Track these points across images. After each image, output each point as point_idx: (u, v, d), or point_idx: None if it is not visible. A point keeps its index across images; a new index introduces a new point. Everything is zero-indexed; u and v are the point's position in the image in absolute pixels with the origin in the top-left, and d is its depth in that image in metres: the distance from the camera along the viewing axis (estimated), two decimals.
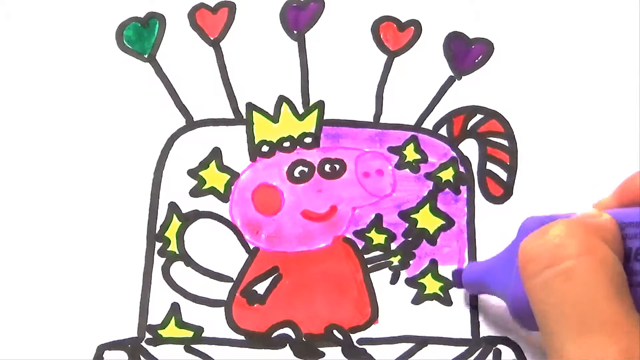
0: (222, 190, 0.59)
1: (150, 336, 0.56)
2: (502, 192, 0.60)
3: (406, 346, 0.56)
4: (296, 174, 0.59)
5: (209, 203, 0.59)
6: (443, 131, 0.61)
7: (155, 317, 0.57)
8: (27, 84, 0.61)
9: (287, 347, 0.55)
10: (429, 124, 0.61)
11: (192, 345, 0.56)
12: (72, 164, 0.59)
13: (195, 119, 0.61)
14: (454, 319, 0.57)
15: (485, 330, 0.56)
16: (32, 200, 0.58)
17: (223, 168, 0.59)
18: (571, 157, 0.60)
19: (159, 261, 0.58)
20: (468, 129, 0.61)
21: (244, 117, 0.60)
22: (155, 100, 0.61)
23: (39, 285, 0.57)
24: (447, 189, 0.60)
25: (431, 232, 0.59)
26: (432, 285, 0.58)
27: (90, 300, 0.57)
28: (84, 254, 0.57)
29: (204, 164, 0.60)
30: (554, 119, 0.61)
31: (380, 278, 0.58)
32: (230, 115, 0.61)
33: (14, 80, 0.61)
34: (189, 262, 0.58)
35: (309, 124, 0.60)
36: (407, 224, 0.59)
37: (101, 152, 0.60)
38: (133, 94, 0.61)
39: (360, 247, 0.58)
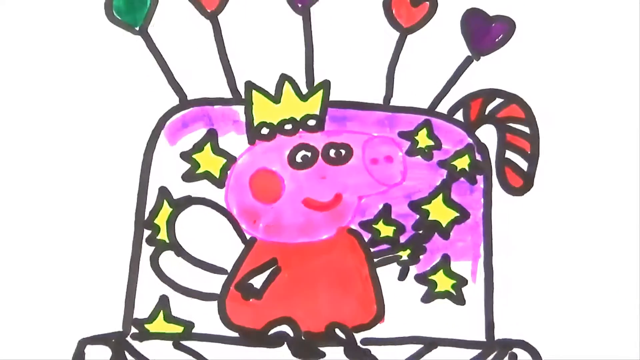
0: (217, 175, 0.59)
1: (136, 331, 0.57)
2: (522, 183, 0.60)
3: (414, 348, 0.57)
4: (298, 159, 0.59)
5: (202, 189, 0.59)
6: (459, 116, 0.61)
7: (142, 310, 0.57)
8: (6, 56, 0.61)
9: (285, 345, 0.57)
10: (443, 107, 0.61)
11: (182, 342, 0.57)
12: (54, 144, 0.60)
13: (189, 98, 0.60)
14: (466, 320, 0.58)
15: (500, 332, 0.58)
16: (9, 179, 0.60)
17: (219, 151, 0.59)
18: (598, 146, 0.60)
19: (147, 250, 0.58)
20: (486, 113, 0.61)
21: (243, 96, 0.60)
22: (146, 77, 0.60)
23: (14, 273, 0.58)
24: (462, 179, 0.60)
25: (444, 225, 0.59)
26: (443, 283, 0.59)
27: (71, 290, 0.58)
28: (65, 241, 0.58)
29: (198, 147, 0.60)
30: (579, 104, 0.61)
31: (387, 273, 0.58)
32: (227, 94, 0.60)
33: None
34: (180, 251, 0.58)
35: (313, 105, 0.60)
36: (417, 216, 0.59)
37: (86, 132, 0.60)
38: (122, 69, 0.61)
39: (366, 240, 0.59)
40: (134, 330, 0.57)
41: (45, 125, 0.60)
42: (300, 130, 0.59)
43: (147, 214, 0.59)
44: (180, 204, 0.58)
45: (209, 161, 0.59)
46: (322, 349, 0.56)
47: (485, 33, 0.61)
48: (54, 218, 0.58)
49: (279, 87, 0.59)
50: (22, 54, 0.61)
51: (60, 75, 0.60)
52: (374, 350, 0.56)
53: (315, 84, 0.60)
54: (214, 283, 0.57)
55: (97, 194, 0.59)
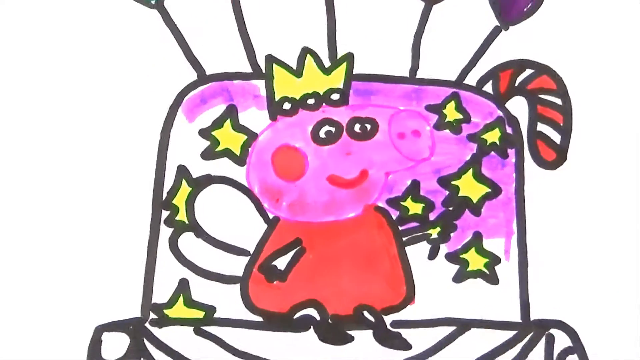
0: (238, 153, 0.59)
1: (155, 316, 0.57)
2: (554, 157, 0.59)
3: (446, 330, 0.56)
4: (322, 134, 0.58)
5: (223, 167, 0.59)
6: (488, 88, 0.60)
7: (161, 295, 0.57)
8: (18, 31, 0.60)
9: (311, 329, 0.56)
10: (472, 79, 0.60)
11: (203, 327, 0.56)
12: (68, 122, 0.59)
13: (208, 73, 0.59)
14: (501, 300, 0.57)
15: (537, 313, 0.57)
16: (25, 163, 0.59)
17: (239, 127, 0.59)
18: (632, 117, 0.60)
19: (165, 232, 0.58)
20: (516, 85, 0.60)
21: (263, 70, 0.59)
22: (163, 52, 0.59)
23: (29, 258, 0.57)
24: (492, 153, 0.59)
25: (475, 201, 0.58)
26: (475, 261, 0.58)
27: (87, 275, 0.57)
28: (80, 223, 0.58)
29: (218, 123, 0.59)
30: (612, 75, 0.60)
31: (416, 252, 0.58)
32: (247, 68, 0.59)
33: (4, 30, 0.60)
34: (200, 233, 0.58)
35: (337, 78, 0.59)
36: (447, 192, 0.58)
37: (102, 109, 0.59)
38: (138, 44, 0.60)
39: (394, 218, 0.58)
40: (152, 316, 0.56)
41: (60, 104, 0.59)
42: (324, 104, 0.58)
43: (165, 194, 0.58)
44: (200, 183, 0.58)
45: (229, 138, 0.58)
46: (350, 332, 0.56)
47: (513, 2, 0.59)
48: (69, 200, 0.58)
49: (301, 60, 0.58)
50: (32, 27, 0.60)
51: (74, 51, 0.59)
52: (405, 333, 0.56)
53: (338, 57, 0.59)
54: (236, 265, 0.57)
55: (112, 174, 0.58)
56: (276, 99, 0.58)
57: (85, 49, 0.59)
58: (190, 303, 0.56)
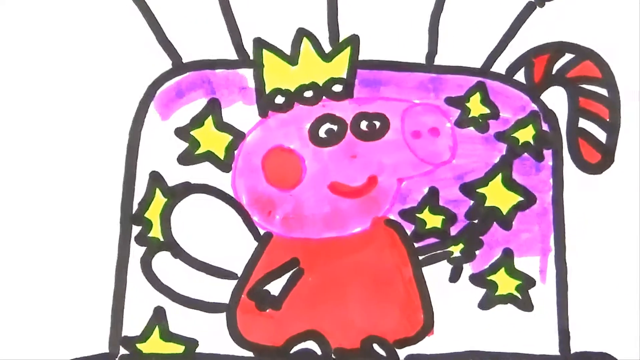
0: (221, 156, 0.55)
1: (126, 352, 0.53)
2: (599, 158, 0.56)
3: None
4: (322, 133, 0.55)
5: (204, 173, 0.55)
6: (520, 76, 0.57)
7: (132, 326, 0.54)
8: None
9: None
10: (500, 66, 0.57)
11: None
12: (19, 121, 0.55)
13: (184, 61, 0.57)
14: (536, 329, 0.54)
15: (578, 344, 0.54)
16: None
17: (223, 126, 0.56)
18: None
19: (137, 251, 0.55)
20: (553, 73, 0.57)
21: (251, 57, 0.56)
22: (132, 37, 0.57)
23: None
24: (525, 154, 0.56)
25: (504, 212, 0.55)
26: (506, 284, 0.55)
27: (47, 304, 0.54)
28: (33, 241, 0.54)
29: (198, 121, 0.56)
30: None
31: (435, 274, 0.55)
32: (232, 55, 0.56)
33: None
34: (178, 252, 0.55)
35: (339, 66, 0.56)
36: (471, 202, 0.55)
37: (59, 105, 0.56)
38: (102, 28, 0.57)
39: (408, 233, 0.55)
40: (123, 351, 0.53)
41: (9, 98, 0.55)
42: (324, 98, 0.56)
43: (135, 206, 0.55)
44: (177, 193, 0.55)
45: (211, 139, 0.55)
46: None
47: None
48: (21, 212, 0.54)
49: (296, 44, 0.56)
50: None
51: (29, 30, 0.56)
52: None
53: (340, 40, 0.56)
54: (221, 290, 0.54)
55: (73, 183, 0.54)
56: (267, 92, 0.56)
57: (42, 28, 0.56)
58: (168, 336, 0.53)
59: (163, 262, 0.54)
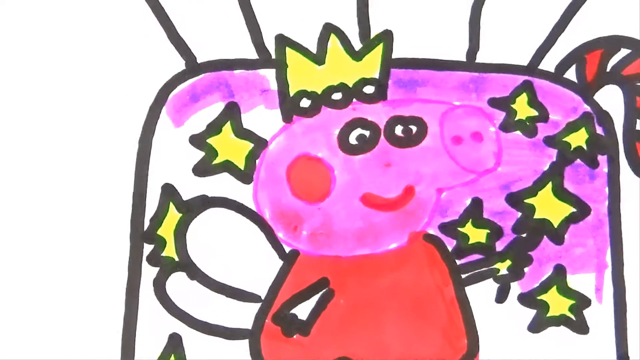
0: (241, 166, 0.54)
1: None
2: None
3: None
4: (352, 140, 0.53)
5: (222, 185, 0.53)
6: (571, 74, 0.55)
7: (145, 354, 0.52)
8: None
9: None
10: (549, 64, 0.55)
11: None
12: (19, 129, 0.53)
13: (199, 61, 0.55)
14: (592, 354, 0.52)
15: None
16: None
17: (242, 133, 0.54)
18: None
19: (149, 272, 0.53)
20: (608, 70, 0.55)
21: (273, 56, 0.54)
22: (144, 37, 0.55)
23: None
24: (578, 161, 0.54)
25: (555, 225, 0.53)
26: (558, 304, 0.53)
27: (48, 331, 0.52)
28: (37, 258, 0.52)
29: (215, 127, 0.54)
30: None
31: (480, 294, 0.53)
32: (252, 54, 0.54)
33: None
34: (194, 273, 0.53)
35: (370, 65, 0.54)
36: (519, 213, 0.53)
37: (64, 111, 0.53)
38: (112, 27, 0.55)
39: (450, 249, 0.53)
40: None
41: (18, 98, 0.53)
42: (354, 100, 0.54)
43: (147, 223, 0.53)
44: (193, 208, 0.53)
45: (229, 147, 0.54)
46: None
47: None
48: (23, 228, 0.52)
49: (323, 41, 0.54)
50: None
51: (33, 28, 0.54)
52: None
53: (372, 37, 0.54)
54: (243, 315, 0.52)
55: (77, 197, 0.53)
56: (291, 94, 0.54)
57: (49, 28, 0.54)
58: None
59: (178, 284, 0.53)
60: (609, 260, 0.53)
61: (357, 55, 0.54)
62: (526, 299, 0.53)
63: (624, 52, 0.55)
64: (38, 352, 0.51)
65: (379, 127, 0.54)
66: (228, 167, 0.54)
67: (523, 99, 0.54)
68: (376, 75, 0.54)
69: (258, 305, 0.53)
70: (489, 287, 0.53)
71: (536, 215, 0.54)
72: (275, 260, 0.53)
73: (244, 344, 0.52)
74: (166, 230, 0.53)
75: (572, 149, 0.54)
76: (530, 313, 0.53)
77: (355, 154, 0.53)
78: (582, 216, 0.54)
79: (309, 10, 0.55)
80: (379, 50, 0.54)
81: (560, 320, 0.53)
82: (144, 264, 0.53)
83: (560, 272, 0.53)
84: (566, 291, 0.53)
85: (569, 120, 0.54)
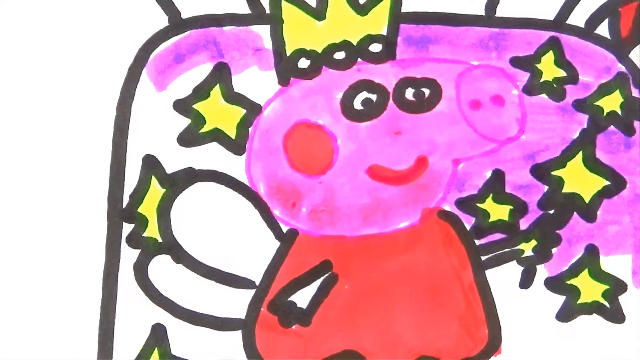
0: (232, 135, 0.51)
1: None
2: None
3: None
4: (357, 105, 0.51)
5: (211, 156, 0.51)
6: (602, 30, 0.52)
7: (125, 347, 0.50)
8: None
9: None
10: (578, 18, 0.52)
11: None
12: None
13: (183, 16, 0.52)
14: (628, 345, 0.50)
15: None
16: None
17: (233, 97, 0.51)
18: None
19: (129, 255, 0.50)
20: None
21: (267, 10, 0.52)
22: None
23: None
24: (611, 127, 0.51)
25: (587, 200, 0.51)
26: (590, 290, 0.50)
27: (19, 320, 0.49)
28: (4, 241, 0.50)
29: (202, 92, 0.51)
30: None
31: (502, 278, 0.50)
32: (243, 8, 0.52)
33: None
34: (180, 255, 0.50)
35: (377, 20, 0.51)
36: (545, 187, 0.51)
37: (30, 69, 0.50)
38: None
39: (468, 227, 0.51)
40: None
41: None
42: (359, 60, 0.51)
43: (126, 199, 0.50)
44: (178, 182, 0.50)
45: (219, 113, 0.51)
46: None
47: None
48: None
49: None
50: None
51: None
52: None
53: None
54: (235, 303, 0.50)
55: (49, 170, 0.50)
56: (288, 54, 0.51)
57: None
58: (169, 359, 0.49)
59: (162, 269, 0.50)
60: None
61: (362, 9, 0.51)
62: (554, 284, 0.51)
63: None
64: (7, 340, 0.49)
65: (387, 90, 0.51)
66: (217, 136, 0.51)
67: (549, 57, 0.52)
68: (384, 32, 0.51)
69: (252, 292, 0.51)
70: (513, 270, 0.51)
71: (565, 189, 0.51)
72: (272, 241, 0.51)
73: (237, 335, 0.50)
74: (148, 208, 0.51)
75: (605, 114, 0.52)
76: (559, 300, 0.51)
77: (360, 120, 0.51)
78: (616, 190, 0.51)
79: None
80: (386, 3, 0.51)
81: (593, 308, 0.51)
82: (123, 245, 0.51)
83: (592, 253, 0.51)
84: (599, 275, 0.51)
85: (601, 82, 0.52)
